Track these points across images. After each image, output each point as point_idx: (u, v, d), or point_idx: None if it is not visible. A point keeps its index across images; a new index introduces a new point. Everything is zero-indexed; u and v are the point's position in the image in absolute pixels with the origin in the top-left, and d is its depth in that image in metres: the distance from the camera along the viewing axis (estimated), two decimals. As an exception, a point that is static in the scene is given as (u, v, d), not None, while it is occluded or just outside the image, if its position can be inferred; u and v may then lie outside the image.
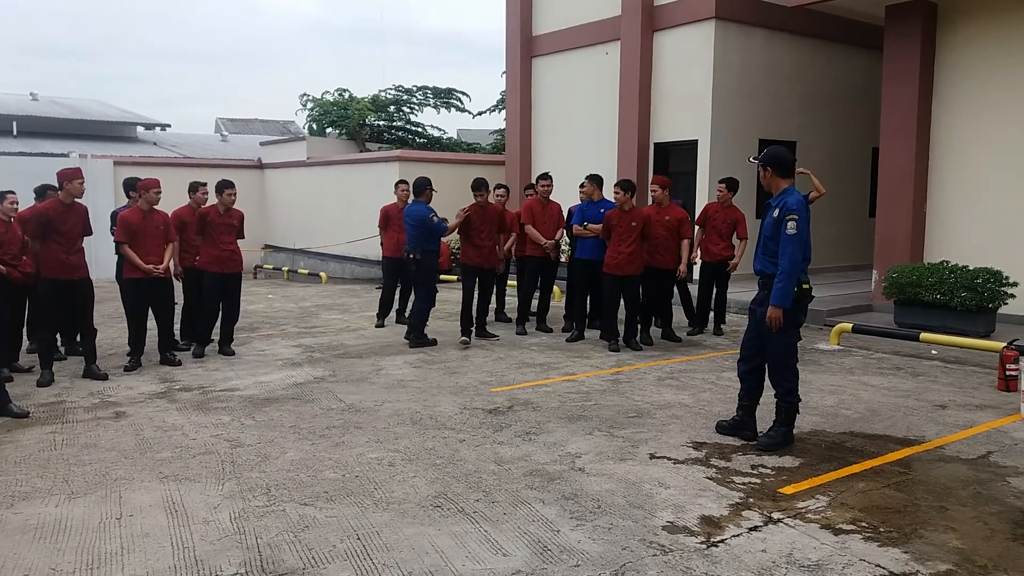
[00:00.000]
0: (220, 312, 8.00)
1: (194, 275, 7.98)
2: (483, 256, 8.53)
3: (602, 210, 8.33)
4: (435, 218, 8.32)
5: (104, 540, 3.68)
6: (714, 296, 9.02)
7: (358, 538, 3.68)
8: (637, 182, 12.21)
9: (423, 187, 8.40)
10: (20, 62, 78.02)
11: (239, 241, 8.09)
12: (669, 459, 4.77)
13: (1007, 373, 6.43)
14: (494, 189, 9.03)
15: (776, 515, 3.93)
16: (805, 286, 4.85)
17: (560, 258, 9.37)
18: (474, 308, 8.61)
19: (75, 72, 79.09)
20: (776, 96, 12.86)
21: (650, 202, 8.67)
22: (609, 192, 8.46)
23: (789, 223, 4.75)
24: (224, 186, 7.91)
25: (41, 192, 7.74)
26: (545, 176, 9.24)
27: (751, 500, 4.13)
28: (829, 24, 12.76)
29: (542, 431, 5.32)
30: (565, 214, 9.26)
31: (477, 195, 8.46)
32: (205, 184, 8.28)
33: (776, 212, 4.90)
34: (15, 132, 21.18)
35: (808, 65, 13.26)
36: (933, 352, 8.00)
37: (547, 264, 9.12)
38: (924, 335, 7.91)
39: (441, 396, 6.27)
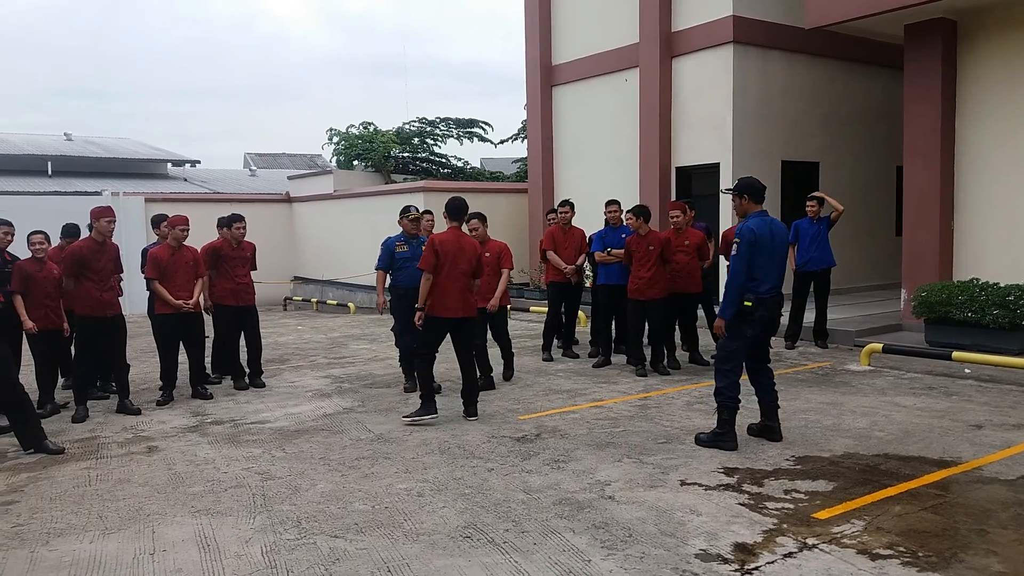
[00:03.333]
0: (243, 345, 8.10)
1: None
2: (456, 303, 6.35)
3: (623, 236, 8.35)
4: (402, 248, 7.41)
5: None
6: None
7: (388, 571, 3.67)
8: (660, 206, 12.30)
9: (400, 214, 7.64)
10: (53, 104, 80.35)
11: (253, 272, 8.21)
12: (700, 485, 4.72)
13: (1044, 391, 6.30)
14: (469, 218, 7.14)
15: (811, 541, 3.87)
16: (747, 303, 5.31)
17: (584, 283, 9.38)
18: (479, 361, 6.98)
19: (106, 112, 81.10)
20: (796, 117, 12.82)
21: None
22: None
23: (734, 245, 5.37)
24: (234, 219, 8.05)
25: (68, 232, 7.91)
26: (564, 203, 9.29)
27: (785, 526, 4.07)
28: (847, 44, 12.73)
29: (571, 459, 5.29)
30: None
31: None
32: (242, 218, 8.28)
33: None
34: (50, 172, 21.71)
35: (828, 86, 13.23)
36: (966, 371, 7.85)
37: (570, 290, 9.13)
38: (956, 354, 7.78)
39: (469, 425, 6.27)
